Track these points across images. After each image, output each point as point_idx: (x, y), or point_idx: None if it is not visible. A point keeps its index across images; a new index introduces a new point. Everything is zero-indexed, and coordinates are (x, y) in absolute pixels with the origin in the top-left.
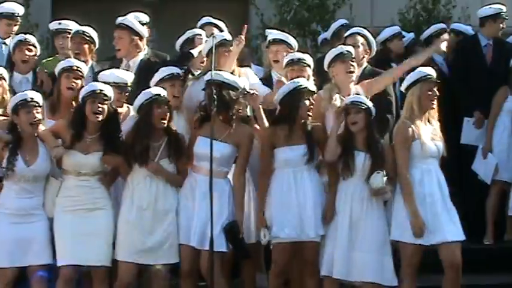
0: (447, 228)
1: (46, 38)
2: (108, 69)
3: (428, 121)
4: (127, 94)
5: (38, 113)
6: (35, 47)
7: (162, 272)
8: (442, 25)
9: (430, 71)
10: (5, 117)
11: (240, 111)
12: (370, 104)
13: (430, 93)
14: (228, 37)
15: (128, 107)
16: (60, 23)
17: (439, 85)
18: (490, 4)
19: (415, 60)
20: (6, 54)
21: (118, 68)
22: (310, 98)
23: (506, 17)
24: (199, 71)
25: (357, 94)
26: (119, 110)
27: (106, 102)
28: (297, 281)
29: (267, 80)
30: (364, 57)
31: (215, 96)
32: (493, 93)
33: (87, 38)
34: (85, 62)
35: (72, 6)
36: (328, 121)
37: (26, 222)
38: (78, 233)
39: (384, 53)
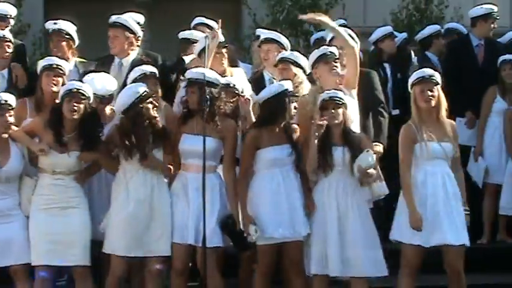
0: (449, 231)
1: (39, 38)
2: (95, 70)
3: (438, 121)
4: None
5: (10, 116)
6: (13, 43)
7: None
8: (437, 26)
9: (426, 72)
10: None
11: (222, 107)
12: (347, 99)
13: (423, 93)
14: (222, 38)
15: (111, 108)
16: (55, 23)
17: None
18: (482, 4)
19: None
20: None
21: (109, 65)
22: (294, 101)
23: (498, 17)
24: None
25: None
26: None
27: (83, 101)
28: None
29: (258, 80)
30: None
31: (208, 96)
32: (485, 93)
33: (65, 36)
34: (66, 59)
35: (64, 7)
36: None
37: (3, 223)
38: (53, 232)
39: (376, 53)
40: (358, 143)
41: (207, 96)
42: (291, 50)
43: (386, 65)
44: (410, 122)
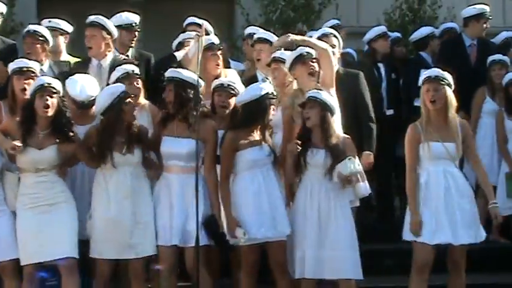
0: (450, 230)
1: None
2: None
3: (446, 122)
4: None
5: None
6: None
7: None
8: (431, 28)
9: (433, 72)
10: None
11: (198, 107)
12: (329, 100)
13: (427, 93)
14: (216, 40)
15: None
16: (50, 21)
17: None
18: (474, 4)
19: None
20: None
21: (87, 67)
22: (274, 103)
23: (490, 17)
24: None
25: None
26: None
27: (54, 95)
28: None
29: (252, 81)
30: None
31: (201, 96)
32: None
33: (40, 38)
34: (39, 61)
35: (57, 6)
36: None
37: None
38: (41, 229)
39: (370, 54)
40: (341, 147)
41: (200, 96)
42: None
43: (381, 65)
44: (417, 122)
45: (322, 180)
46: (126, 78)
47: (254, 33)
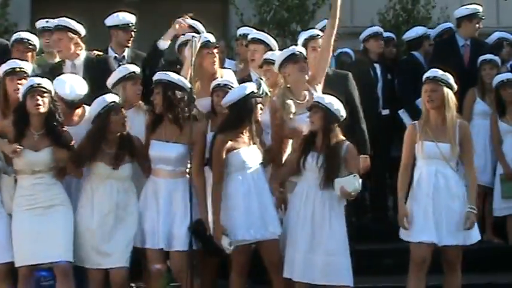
0: (438, 230)
1: None
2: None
3: (443, 122)
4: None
5: None
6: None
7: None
8: (425, 28)
9: (432, 72)
10: None
11: (186, 110)
12: (334, 106)
13: (425, 93)
14: (212, 38)
15: (83, 106)
16: (47, 21)
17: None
18: (467, 4)
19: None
20: None
21: (61, 69)
22: (261, 103)
23: (483, 17)
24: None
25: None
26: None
27: (45, 95)
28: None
29: (246, 81)
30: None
31: (194, 97)
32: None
33: (31, 46)
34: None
35: (51, 6)
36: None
37: None
38: (37, 231)
39: (365, 54)
40: (342, 154)
41: (172, 99)
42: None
43: (377, 65)
44: (417, 121)
45: (318, 185)
46: (130, 78)
47: (247, 34)
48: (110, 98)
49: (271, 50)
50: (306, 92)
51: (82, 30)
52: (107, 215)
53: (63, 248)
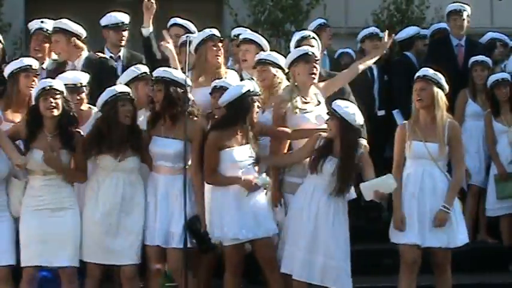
0: (421, 232)
1: (19, 38)
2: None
3: (433, 121)
4: (82, 94)
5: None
6: (2, 43)
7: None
8: (417, 28)
9: (422, 71)
10: None
11: (192, 107)
12: (349, 113)
13: (415, 92)
14: (217, 33)
15: (89, 107)
16: (42, 21)
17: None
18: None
19: (369, 58)
20: None
21: (64, 68)
22: (258, 102)
23: (463, 14)
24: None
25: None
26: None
27: (58, 96)
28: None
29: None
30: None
31: (189, 97)
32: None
33: (49, 37)
34: (43, 61)
35: (45, 6)
36: (290, 120)
37: None
38: (44, 232)
39: (361, 54)
40: (354, 160)
41: (173, 96)
42: (272, 50)
43: (373, 66)
44: (407, 121)
45: (326, 188)
46: (142, 79)
47: (240, 34)
48: (120, 88)
49: (262, 50)
50: (314, 95)
51: (82, 32)
52: (113, 208)
53: (71, 253)
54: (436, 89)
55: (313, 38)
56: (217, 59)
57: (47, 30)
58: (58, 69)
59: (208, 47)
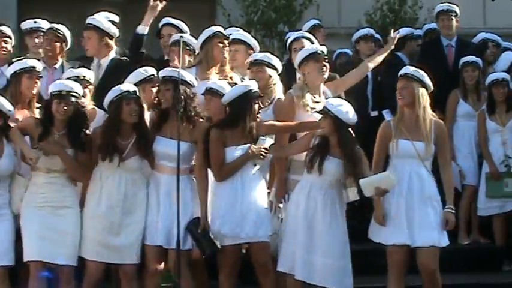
0: (410, 232)
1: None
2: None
3: (418, 120)
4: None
5: (8, 117)
6: (10, 38)
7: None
8: (410, 29)
9: (404, 69)
10: None
11: (197, 108)
12: (342, 112)
13: (398, 90)
14: (222, 30)
15: (93, 107)
16: (35, 22)
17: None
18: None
19: (377, 55)
20: None
21: (89, 67)
22: (259, 101)
23: (452, 13)
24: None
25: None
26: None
27: (72, 102)
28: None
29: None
30: None
31: (183, 97)
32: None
33: (60, 36)
34: (55, 60)
35: (38, 6)
36: (299, 118)
37: None
38: (45, 229)
39: (356, 55)
40: (354, 157)
41: (182, 96)
42: (265, 51)
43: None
44: (391, 119)
45: (328, 187)
46: (150, 81)
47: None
48: (125, 87)
49: (252, 50)
50: (322, 94)
51: (114, 31)
52: (115, 205)
53: (70, 252)
54: (417, 87)
55: (307, 38)
56: (223, 55)
57: (57, 29)
58: (85, 59)
59: (214, 43)
